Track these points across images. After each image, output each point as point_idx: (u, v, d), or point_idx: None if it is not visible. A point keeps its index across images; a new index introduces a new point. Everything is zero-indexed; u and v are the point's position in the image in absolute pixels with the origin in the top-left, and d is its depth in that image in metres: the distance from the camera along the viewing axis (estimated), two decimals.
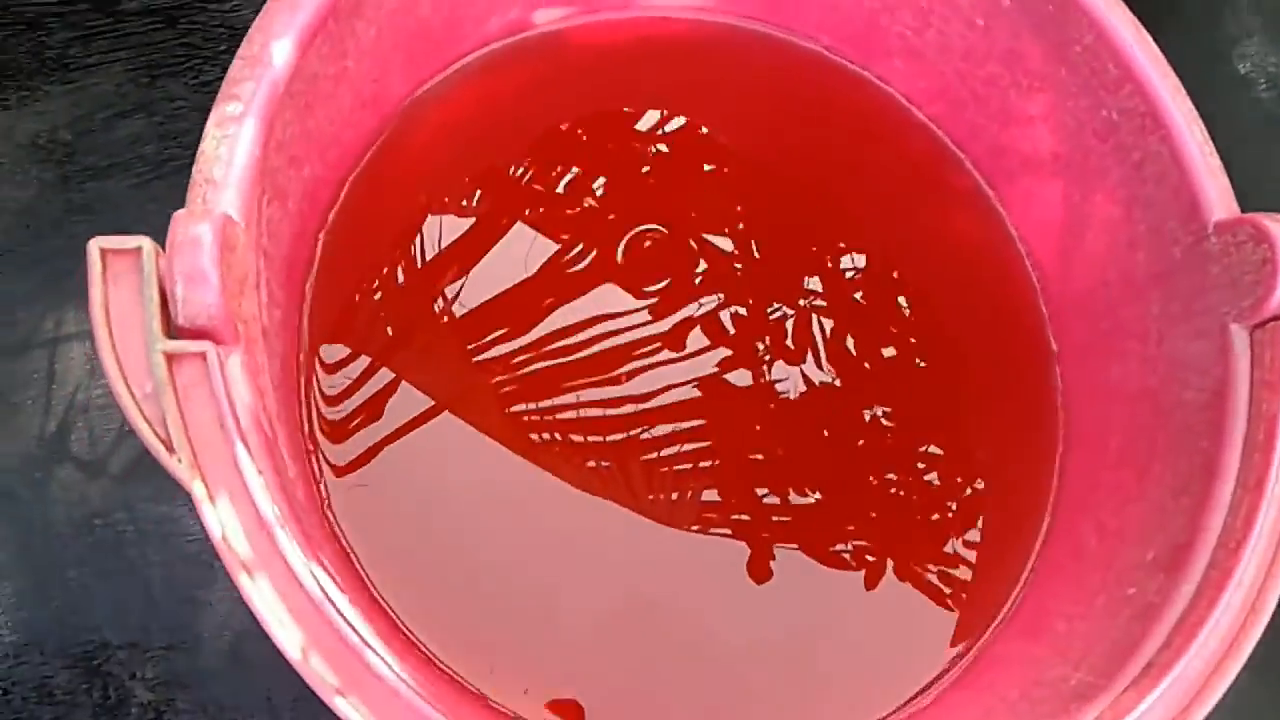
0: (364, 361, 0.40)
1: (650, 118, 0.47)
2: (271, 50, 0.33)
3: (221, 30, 0.53)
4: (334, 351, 0.40)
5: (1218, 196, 0.37)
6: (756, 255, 0.45)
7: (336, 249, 0.41)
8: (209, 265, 0.28)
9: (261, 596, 0.26)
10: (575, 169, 0.45)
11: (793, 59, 0.48)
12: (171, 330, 0.29)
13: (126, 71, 0.52)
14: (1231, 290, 0.36)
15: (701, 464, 0.41)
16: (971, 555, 0.41)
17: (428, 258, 0.43)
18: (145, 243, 0.29)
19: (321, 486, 0.37)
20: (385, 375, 0.40)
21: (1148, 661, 0.32)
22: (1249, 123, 0.58)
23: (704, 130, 0.47)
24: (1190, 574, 0.33)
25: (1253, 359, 0.35)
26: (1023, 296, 0.45)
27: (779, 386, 0.43)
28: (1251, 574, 0.32)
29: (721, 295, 0.44)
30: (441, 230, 0.43)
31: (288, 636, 0.26)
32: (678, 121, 0.47)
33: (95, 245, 0.29)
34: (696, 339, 0.43)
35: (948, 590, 0.41)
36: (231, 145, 0.32)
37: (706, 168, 0.46)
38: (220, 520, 0.27)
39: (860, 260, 0.46)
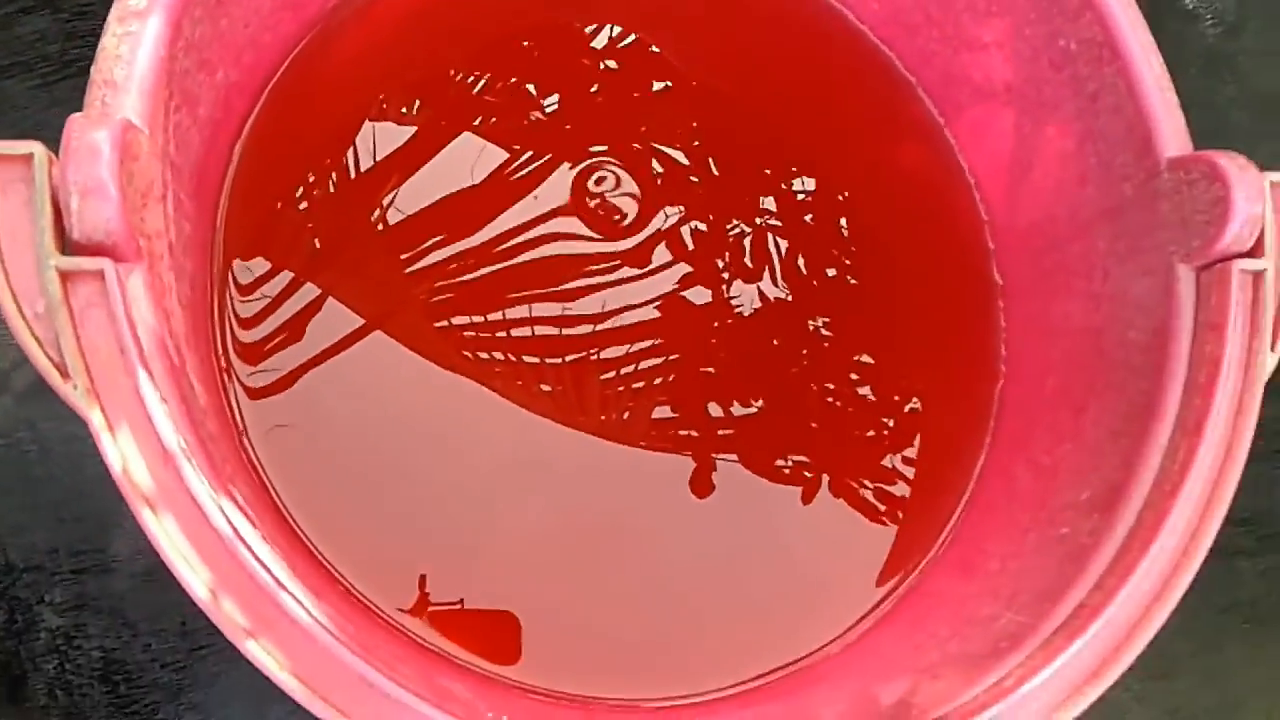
0: (285, 276, 0.38)
1: (599, 29, 0.45)
2: None
3: None
4: (251, 266, 0.38)
5: (1172, 133, 0.36)
6: (714, 172, 0.44)
7: (254, 160, 0.38)
8: (107, 175, 0.26)
9: (166, 534, 0.25)
10: (529, 84, 0.43)
11: None
12: (66, 246, 0.27)
13: None
14: (1181, 229, 0.35)
15: (656, 380, 0.40)
16: (906, 485, 0.41)
17: (359, 166, 0.40)
18: (37, 149, 0.26)
19: (237, 415, 0.35)
20: (308, 291, 0.38)
21: (1078, 603, 0.32)
22: (1193, 57, 0.58)
23: (654, 49, 0.45)
24: (1124, 516, 0.33)
25: (1198, 300, 0.34)
26: (969, 229, 0.44)
27: (735, 303, 0.42)
28: (1186, 519, 0.32)
29: (682, 209, 0.42)
30: (379, 137, 0.41)
31: (195, 576, 0.25)
32: (628, 37, 0.45)
33: None
34: (659, 255, 0.42)
35: (885, 517, 0.40)
36: (134, 43, 0.29)
37: (657, 85, 0.44)
38: (121, 452, 0.25)
39: (810, 183, 0.44)
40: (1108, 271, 0.38)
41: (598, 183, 0.42)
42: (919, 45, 0.44)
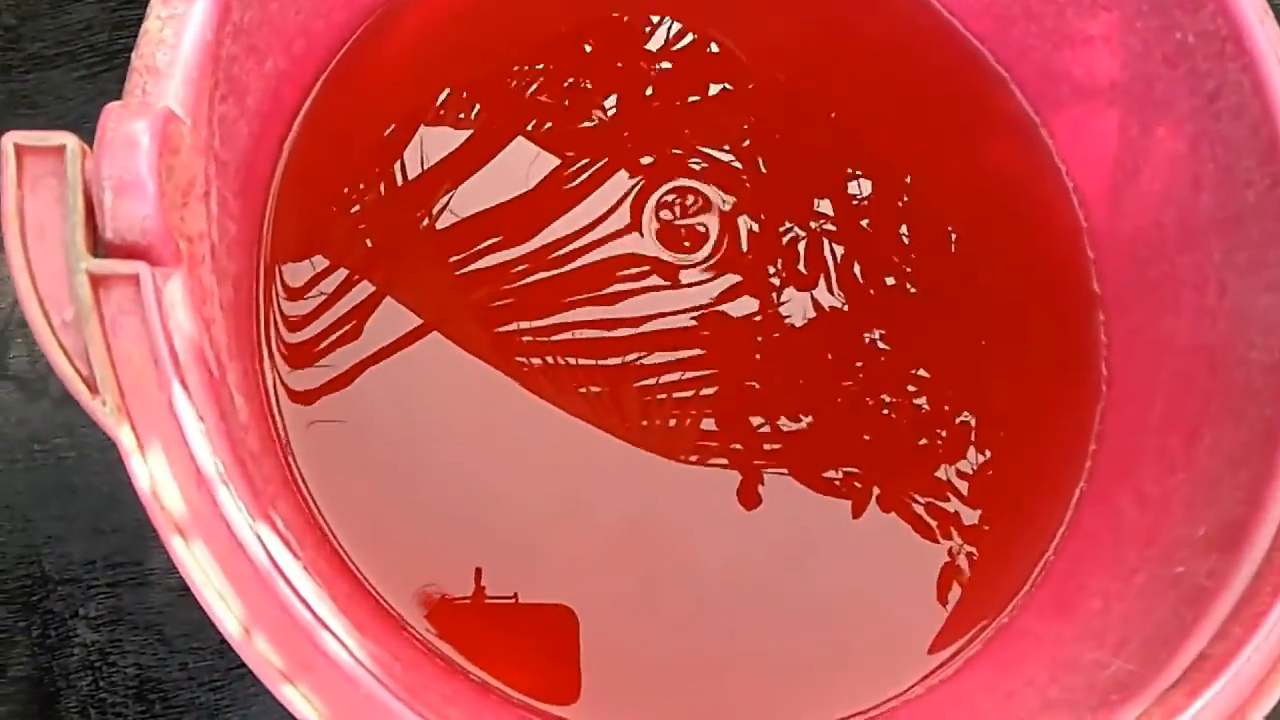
0: (334, 278, 0.36)
1: (659, 24, 0.42)
2: None
3: None
4: (300, 265, 0.36)
5: None
6: (763, 171, 0.41)
7: (306, 156, 0.36)
8: (145, 170, 0.24)
9: (197, 564, 0.22)
10: (586, 82, 0.41)
11: None
12: (99, 247, 0.24)
13: None
14: None
15: (703, 391, 0.38)
16: (992, 514, 0.38)
17: (413, 167, 0.38)
18: (69, 141, 0.24)
19: (279, 426, 0.33)
20: (358, 293, 0.36)
21: (1200, 653, 0.29)
22: None
23: (714, 47, 0.42)
24: (1249, 556, 0.30)
25: None
26: (1066, 234, 0.41)
27: (784, 310, 0.39)
28: None
29: (744, 215, 0.40)
30: (432, 140, 0.39)
31: (227, 612, 0.22)
32: (688, 35, 0.42)
33: (9, 141, 0.24)
34: (699, 275, 0.39)
35: (968, 548, 0.37)
36: (179, 26, 0.27)
37: (714, 88, 0.42)
38: (151, 475, 0.23)
39: (888, 183, 0.41)
40: (1224, 285, 0.35)
41: (663, 201, 0.40)
42: (1015, 39, 0.41)
